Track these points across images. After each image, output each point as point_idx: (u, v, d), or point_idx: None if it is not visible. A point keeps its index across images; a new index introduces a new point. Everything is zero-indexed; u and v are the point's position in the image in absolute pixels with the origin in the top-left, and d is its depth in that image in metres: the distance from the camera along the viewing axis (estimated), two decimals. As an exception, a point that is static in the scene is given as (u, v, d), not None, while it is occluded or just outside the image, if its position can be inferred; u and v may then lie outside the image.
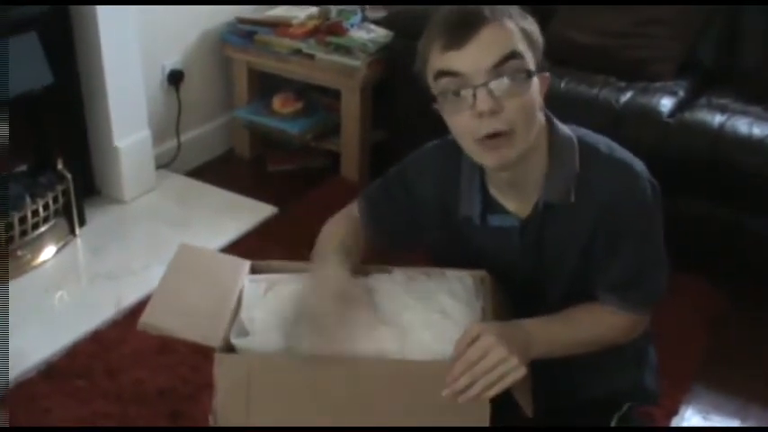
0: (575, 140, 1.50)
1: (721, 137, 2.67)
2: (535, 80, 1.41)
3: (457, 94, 1.40)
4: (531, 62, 1.41)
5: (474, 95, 1.37)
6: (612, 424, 1.65)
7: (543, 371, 1.45)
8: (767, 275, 2.74)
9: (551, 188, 1.48)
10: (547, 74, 1.47)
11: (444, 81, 1.41)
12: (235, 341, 1.44)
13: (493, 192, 1.55)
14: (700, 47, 3.09)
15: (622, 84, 2.91)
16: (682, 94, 2.91)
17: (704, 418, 2.32)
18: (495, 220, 1.56)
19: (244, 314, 1.51)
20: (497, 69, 1.37)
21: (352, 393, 1.40)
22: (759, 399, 2.38)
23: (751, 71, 2.98)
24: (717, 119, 2.72)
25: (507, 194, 1.54)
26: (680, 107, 2.83)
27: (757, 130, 2.65)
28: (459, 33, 1.37)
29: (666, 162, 2.72)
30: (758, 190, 2.63)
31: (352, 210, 1.71)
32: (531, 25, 1.44)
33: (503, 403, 1.38)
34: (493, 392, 1.35)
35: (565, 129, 1.52)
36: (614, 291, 1.52)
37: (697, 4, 3.05)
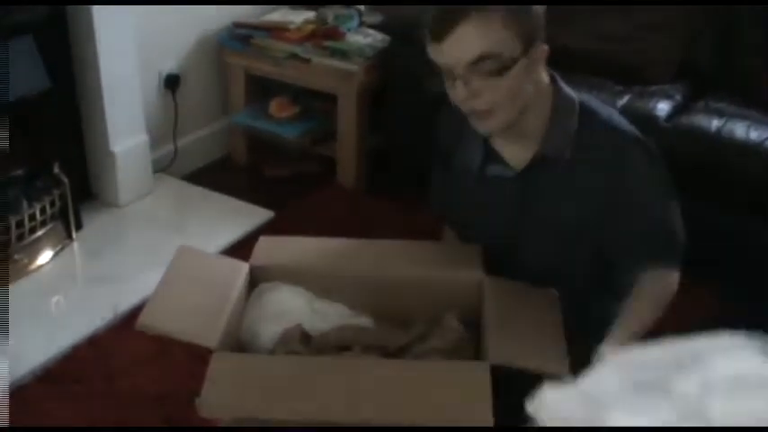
0: (576, 102, 1.65)
1: (719, 141, 2.67)
2: (519, 64, 1.53)
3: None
4: (514, 49, 1.52)
5: (454, 83, 1.54)
6: None
7: None
8: (766, 279, 2.73)
9: (549, 142, 1.62)
10: (545, 46, 1.59)
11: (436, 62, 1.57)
12: None
13: (495, 142, 1.68)
14: (697, 51, 3.08)
15: (619, 88, 2.91)
16: (679, 98, 2.90)
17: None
18: (493, 170, 1.69)
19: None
20: (473, 66, 1.51)
21: (350, 393, 1.39)
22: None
23: (748, 75, 2.98)
24: (714, 123, 2.72)
25: (508, 144, 1.67)
26: (677, 111, 2.83)
27: (755, 134, 2.65)
28: (440, 27, 1.51)
29: (664, 166, 2.73)
30: (757, 194, 2.62)
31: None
32: None
33: (505, 404, 1.38)
34: None
35: (569, 91, 1.67)
36: (640, 249, 1.59)
37: (692, 4, 3.04)
